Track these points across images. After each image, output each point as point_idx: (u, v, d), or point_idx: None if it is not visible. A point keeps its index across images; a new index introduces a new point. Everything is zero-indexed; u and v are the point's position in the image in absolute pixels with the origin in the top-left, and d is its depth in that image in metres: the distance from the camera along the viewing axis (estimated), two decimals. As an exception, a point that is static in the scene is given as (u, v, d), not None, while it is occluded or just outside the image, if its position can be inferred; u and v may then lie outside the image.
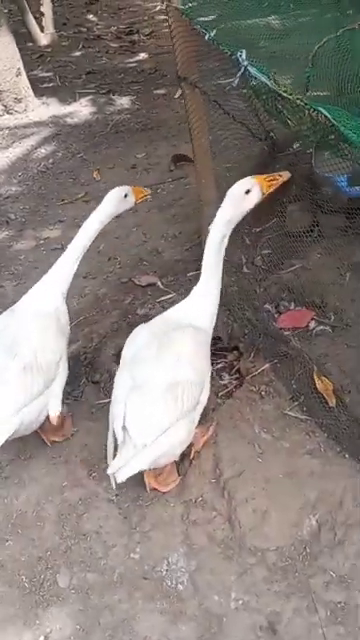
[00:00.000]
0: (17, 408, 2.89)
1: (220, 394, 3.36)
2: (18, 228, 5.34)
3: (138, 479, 3.08)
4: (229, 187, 4.05)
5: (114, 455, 2.73)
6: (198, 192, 3.82)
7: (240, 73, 2.74)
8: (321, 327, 3.51)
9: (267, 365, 3.35)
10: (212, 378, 3.43)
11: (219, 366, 3.61)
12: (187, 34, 3.27)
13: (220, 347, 3.67)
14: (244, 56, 2.72)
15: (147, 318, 4.02)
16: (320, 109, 2.33)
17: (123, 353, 3.02)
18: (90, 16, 11.12)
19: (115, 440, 2.78)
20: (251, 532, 2.73)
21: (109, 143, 6.54)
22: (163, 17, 10.40)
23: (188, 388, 2.75)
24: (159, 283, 4.35)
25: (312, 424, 3.05)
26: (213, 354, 3.62)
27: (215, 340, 3.72)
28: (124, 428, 2.66)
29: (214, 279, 3.00)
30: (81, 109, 7.35)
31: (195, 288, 3.07)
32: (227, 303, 3.71)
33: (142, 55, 8.95)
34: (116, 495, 3.07)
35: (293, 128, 2.58)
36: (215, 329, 3.18)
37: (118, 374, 2.91)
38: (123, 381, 2.81)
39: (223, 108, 3.36)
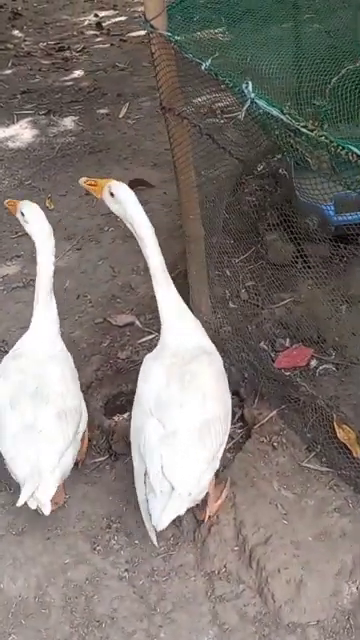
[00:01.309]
0: (59, 456, 2.70)
1: (227, 447, 3.12)
2: (-28, 266, 4.95)
3: (149, 550, 2.83)
4: (210, 220, 3.87)
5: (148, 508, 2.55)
6: (183, 228, 3.59)
7: (246, 106, 2.53)
8: (324, 366, 3.34)
9: (275, 412, 3.15)
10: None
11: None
12: (172, 62, 3.04)
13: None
14: (250, 88, 2.51)
15: (131, 362, 3.79)
16: (351, 147, 2.15)
17: (138, 392, 2.81)
18: (15, 32, 10.72)
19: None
20: (287, 606, 2.51)
21: (57, 168, 6.22)
22: (93, 32, 10.18)
23: (218, 424, 2.67)
24: (137, 322, 4.09)
25: (334, 477, 2.86)
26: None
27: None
28: (162, 478, 2.47)
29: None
30: (22, 132, 6.99)
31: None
32: (221, 344, 3.49)
33: (77, 72, 8.65)
34: (126, 570, 2.79)
35: (313, 166, 2.38)
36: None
37: (140, 420, 2.70)
38: (152, 428, 2.61)
39: (218, 142, 3.14)
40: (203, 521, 2.80)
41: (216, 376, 2.80)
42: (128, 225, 2.91)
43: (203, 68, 2.71)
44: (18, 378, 2.90)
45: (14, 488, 3.17)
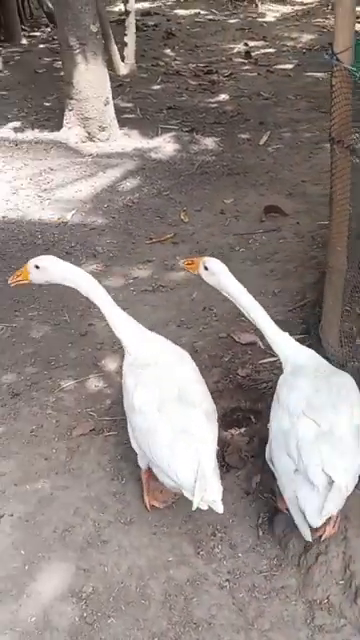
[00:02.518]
0: (215, 456, 2.79)
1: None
2: (106, 263, 5.17)
3: (251, 565, 2.86)
4: (352, 254, 3.87)
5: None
6: (327, 258, 3.63)
7: None
8: None
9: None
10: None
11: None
12: (349, 95, 3.11)
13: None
14: None
15: (251, 380, 3.84)
16: None
17: (283, 400, 2.88)
18: (167, 50, 11.14)
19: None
20: (388, 649, 2.48)
21: (195, 184, 6.41)
22: (241, 60, 10.42)
23: None
24: (259, 343, 4.14)
25: None
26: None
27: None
28: (322, 472, 2.57)
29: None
30: (165, 145, 7.25)
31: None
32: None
33: (222, 96, 8.89)
34: (227, 580, 2.83)
35: None
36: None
37: (287, 422, 2.77)
38: (307, 427, 2.71)
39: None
40: (318, 538, 2.78)
41: (356, 390, 2.95)
42: (224, 294, 3.23)
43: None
44: (158, 384, 2.94)
45: (125, 479, 3.30)
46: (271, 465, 2.89)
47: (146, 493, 3.14)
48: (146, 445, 2.85)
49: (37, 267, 3.20)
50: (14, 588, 2.84)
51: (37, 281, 3.25)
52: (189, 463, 2.68)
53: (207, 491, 2.62)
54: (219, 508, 2.63)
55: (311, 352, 3.17)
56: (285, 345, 3.13)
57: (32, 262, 3.21)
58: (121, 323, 3.23)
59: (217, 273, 3.18)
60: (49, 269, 3.19)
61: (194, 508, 2.63)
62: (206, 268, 3.20)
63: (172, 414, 2.82)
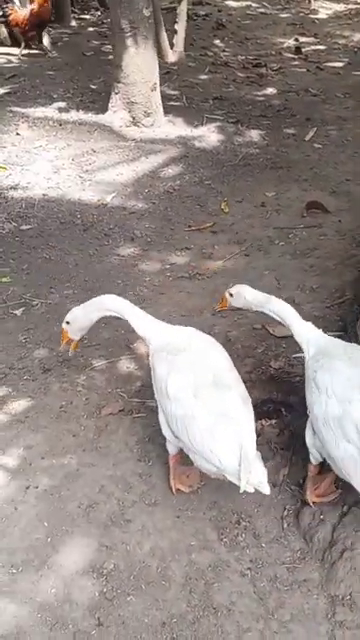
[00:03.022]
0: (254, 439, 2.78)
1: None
2: (143, 247, 5.17)
3: (274, 556, 2.84)
4: None
5: None
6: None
7: None
8: None
9: None
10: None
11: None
12: None
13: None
14: None
15: (284, 372, 3.81)
16: None
17: (328, 385, 2.78)
18: (217, 41, 11.09)
19: None
20: None
21: (238, 175, 6.37)
22: (291, 55, 10.33)
23: None
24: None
25: None
26: None
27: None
28: None
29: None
30: (209, 134, 7.21)
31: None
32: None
33: (270, 90, 8.82)
34: (249, 569, 2.81)
35: None
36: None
37: (339, 408, 2.70)
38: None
39: None
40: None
41: None
42: (254, 308, 3.37)
43: None
44: (191, 370, 2.92)
45: (152, 461, 3.29)
46: (315, 452, 2.89)
47: (172, 477, 3.14)
48: (183, 432, 2.82)
49: (68, 323, 3.49)
50: (36, 559, 2.85)
51: (78, 334, 3.55)
52: (231, 447, 2.66)
53: (252, 473, 2.60)
54: (266, 489, 2.62)
55: (330, 337, 3.14)
56: (307, 329, 3.15)
57: (63, 323, 3.52)
58: (143, 320, 3.29)
59: (241, 293, 3.37)
60: (78, 317, 3.46)
61: (242, 491, 2.61)
62: (231, 295, 3.43)
63: (209, 399, 2.80)
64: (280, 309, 3.22)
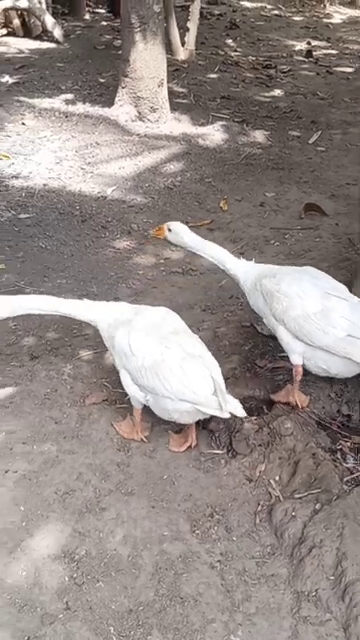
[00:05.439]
0: None
1: (345, 479, 3.10)
2: (139, 240, 5.20)
3: (244, 550, 2.86)
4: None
5: None
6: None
7: None
8: None
9: None
10: (335, 460, 3.23)
11: (340, 447, 3.36)
12: None
13: (347, 425, 3.43)
14: None
15: (267, 370, 3.83)
16: None
17: (293, 288, 3.32)
18: (229, 41, 11.10)
19: None
20: (370, 650, 2.47)
21: (239, 174, 6.40)
22: (301, 58, 10.34)
23: None
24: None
25: None
26: (336, 433, 3.40)
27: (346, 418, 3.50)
28: None
29: None
30: (214, 133, 7.23)
31: None
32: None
33: (277, 91, 8.84)
34: (219, 562, 2.84)
35: None
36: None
37: (314, 305, 3.26)
38: (340, 301, 3.25)
39: None
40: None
41: None
42: (189, 249, 3.73)
43: None
44: (150, 325, 3.22)
45: (132, 452, 3.32)
46: (297, 356, 3.38)
47: (138, 428, 3.37)
48: (154, 379, 3.07)
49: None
50: (10, 541, 2.87)
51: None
52: (204, 378, 3.00)
53: (227, 401, 2.97)
54: (242, 412, 3.03)
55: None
56: (241, 264, 3.62)
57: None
58: (82, 307, 3.42)
59: (179, 232, 3.62)
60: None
61: (225, 416, 2.99)
62: (170, 230, 3.65)
63: (173, 344, 3.10)
64: (214, 252, 3.64)
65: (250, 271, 3.55)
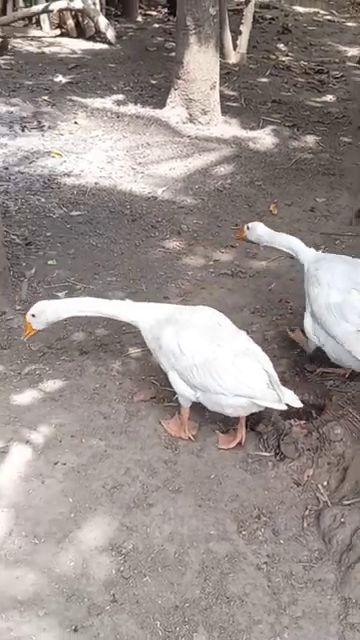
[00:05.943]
0: None
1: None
2: (189, 242, 5.22)
3: (292, 554, 2.85)
4: None
5: None
6: None
7: None
8: None
9: None
10: None
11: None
12: None
13: None
14: None
15: (316, 375, 3.81)
16: None
17: (326, 280, 3.51)
18: (280, 45, 11.07)
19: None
20: None
21: (289, 178, 6.37)
22: (354, 64, 10.24)
23: None
24: (332, 342, 4.09)
25: None
26: None
27: None
28: None
29: None
30: (264, 136, 7.22)
31: None
32: None
33: (329, 97, 8.78)
34: (265, 563, 2.84)
35: None
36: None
37: (336, 296, 3.44)
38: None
39: None
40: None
41: None
42: (265, 244, 4.08)
43: None
44: (197, 325, 3.24)
45: (179, 450, 3.34)
46: (315, 338, 3.61)
47: (186, 426, 3.39)
48: (206, 376, 3.09)
49: (33, 315, 3.47)
50: (58, 532, 2.92)
51: (42, 326, 3.53)
52: (258, 372, 3.05)
53: (284, 393, 3.04)
54: (299, 403, 3.10)
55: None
56: (310, 251, 3.82)
57: (28, 315, 3.50)
58: (125, 307, 3.45)
59: (256, 227, 3.98)
60: (46, 312, 3.46)
61: (282, 408, 3.05)
62: (248, 228, 4.03)
63: (224, 341, 3.14)
64: (287, 241, 3.89)
65: (313, 258, 3.74)
